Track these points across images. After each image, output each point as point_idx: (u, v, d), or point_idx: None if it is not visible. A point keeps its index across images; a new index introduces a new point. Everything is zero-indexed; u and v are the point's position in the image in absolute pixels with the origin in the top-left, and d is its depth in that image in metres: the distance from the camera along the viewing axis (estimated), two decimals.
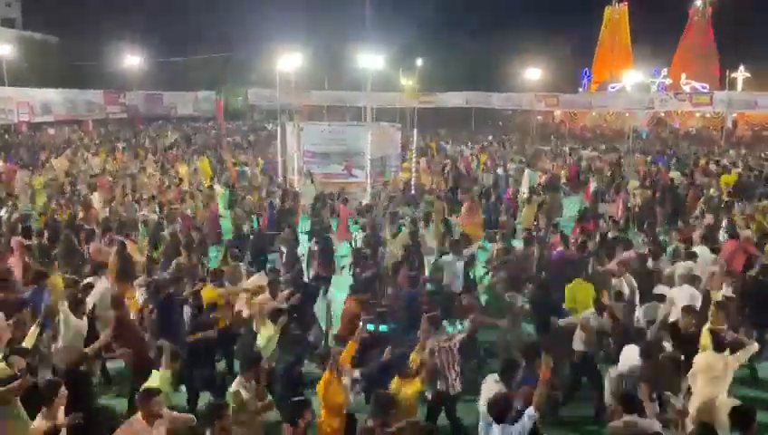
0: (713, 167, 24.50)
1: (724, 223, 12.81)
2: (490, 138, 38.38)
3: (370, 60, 22.49)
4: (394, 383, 5.91)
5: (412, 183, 20.03)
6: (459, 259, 9.65)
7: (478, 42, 52.22)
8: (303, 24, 44.25)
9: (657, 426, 5.19)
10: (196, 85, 49.69)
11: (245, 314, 7.91)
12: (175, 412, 5.30)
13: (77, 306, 7.05)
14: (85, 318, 7.10)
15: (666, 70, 50.94)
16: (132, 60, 44.52)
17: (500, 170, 22.16)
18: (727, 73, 44.59)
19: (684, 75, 49.49)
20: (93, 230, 11.26)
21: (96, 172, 19.45)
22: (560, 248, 10.49)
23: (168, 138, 33.92)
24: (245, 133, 40.15)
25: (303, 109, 43.42)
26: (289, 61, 23.17)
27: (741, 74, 44.16)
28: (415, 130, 22.09)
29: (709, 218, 13.27)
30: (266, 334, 6.96)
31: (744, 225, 12.69)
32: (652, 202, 16.24)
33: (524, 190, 20.18)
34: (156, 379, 5.68)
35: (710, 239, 11.32)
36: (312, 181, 18.46)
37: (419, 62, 38.57)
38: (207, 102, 50.88)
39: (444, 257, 9.91)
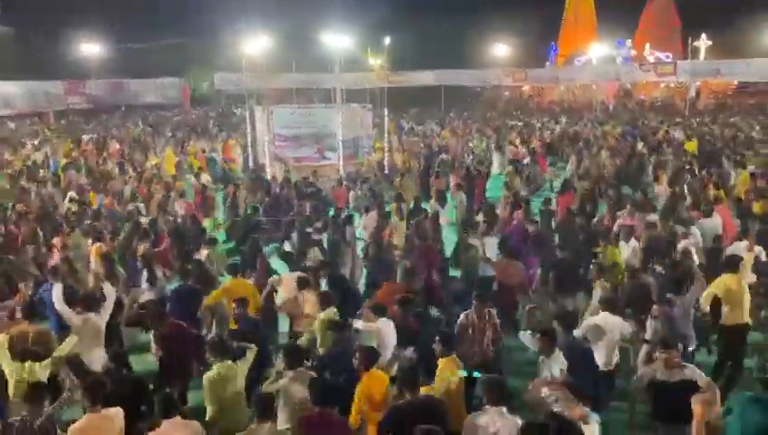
0: (678, 135, 25.15)
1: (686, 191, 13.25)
2: (451, 114, 38.50)
3: (338, 40, 22.24)
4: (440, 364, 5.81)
5: (385, 163, 20.10)
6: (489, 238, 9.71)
7: (446, 19, 51.99)
8: (268, 5, 43.43)
9: None
10: (160, 71, 48.53)
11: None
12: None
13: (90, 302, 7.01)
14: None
15: (629, 41, 51.43)
16: (92, 48, 43.30)
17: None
18: (689, 42, 45.27)
19: (648, 45, 50.04)
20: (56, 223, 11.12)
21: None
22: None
23: (139, 127, 33.29)
24: (214, 119, 39.63)
25: (271, 92, 42.85)
26: (255, 44, 22.75)
27: (703, 42, 44.75)
28: (386, 111, 22.03)
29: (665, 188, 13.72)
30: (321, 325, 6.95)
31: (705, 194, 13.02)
32: (621, 173, 16.65)
33: (496, 167, 20.52)
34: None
35: (673, 210, 11.71)
36: (287, 168, 18.38)
37: (387, 40, 38.24)
38: (173, 89, 49.83)
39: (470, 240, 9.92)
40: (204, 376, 5.70)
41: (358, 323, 6.97)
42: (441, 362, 5.74)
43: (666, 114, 39.69)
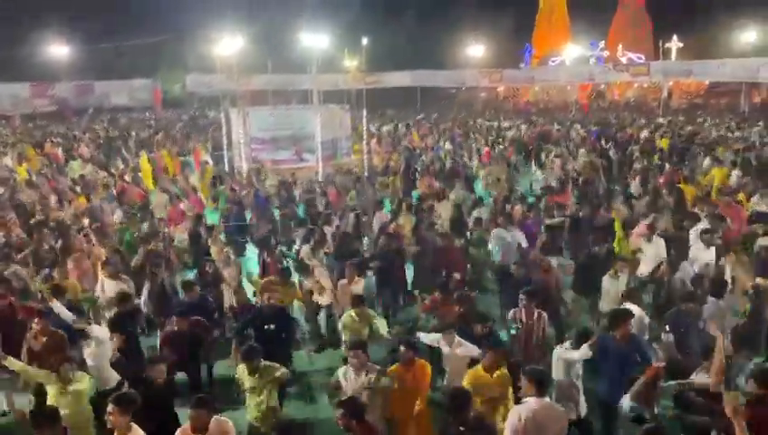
0: (645, 134, 25.55)
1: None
2: (421, 116, 38.19)
3: (316, 39, 21.80)
4: (472, 372, 5.57)
5: (365, 164, 19.83)
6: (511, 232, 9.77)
7: (423, 20, 51.94)
8: (241, 5, 42.77)
9: None
10: (130, 73, 47.37)
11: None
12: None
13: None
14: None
15: (603, 42, 51.95)
16: (60, 49, 42.06)
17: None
18: (661, 44, 45.87)
19: (620, 47, 50.62)
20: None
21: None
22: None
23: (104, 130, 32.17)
24: (185, 122, 38.76)
25: (246, 94, 42.04)
26: (229, 44, 22.15)
27: (674, 44, 45.43)
28: (364, 111, 21.69)
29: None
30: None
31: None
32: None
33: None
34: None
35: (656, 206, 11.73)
36: (263, 168, 17.97)
37: (365, 41, 37.86)
38: (143, 91, 48.65)
39: (496, 231, 9.95)
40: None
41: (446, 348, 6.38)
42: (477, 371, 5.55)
43: (639, 114, 40.16)
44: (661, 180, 15.21)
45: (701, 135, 25.03)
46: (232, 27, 29.57)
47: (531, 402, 4.74)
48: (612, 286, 7.71)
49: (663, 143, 22.00)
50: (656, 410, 5.27)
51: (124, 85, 48.30)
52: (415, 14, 52.15)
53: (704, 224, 9.31)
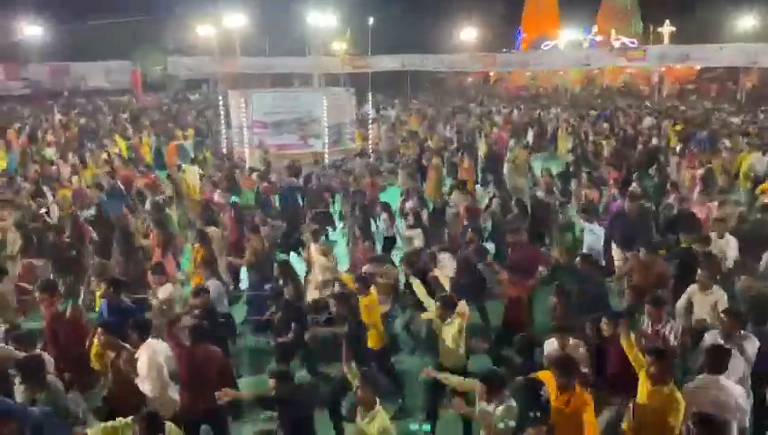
0: (648, 121, 25.11)
1: None
2: (414, 102, 37.03)
3: (323, 20, 20.47)
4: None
5: (370, 151, 18.94)
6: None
7: (410, 4, 50.65)
8: None
9: None
10: (108, 54, 45.20)
11: None
12: None
13: None
14: None
15: (595, 27, 51.31)
16: (33, 28, 39.88)
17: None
18: (652, 29, 45.31)
19: (614, 31, 50.00)
20: None
21: None
22: None
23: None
24: (169, 106, 37.07)
25: (226, 77, 40.38)
26: (226, 24, 20.93)
27: (667, 28, 44.88)
28: (369, 95, 20.68)
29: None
30: None
31: None
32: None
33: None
34: None
35: None
36: (267, 153, 16.87)
37: (371, 21, 36.15)
38: (121, 73, 46.52)
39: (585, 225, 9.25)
40: None
41: None
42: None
43: (632, 99, 39.74)
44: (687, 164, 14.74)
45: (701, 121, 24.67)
46: (219, 8, 28.19)
47: (700, 380, 4.70)
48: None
49: (676, 128, 21.57)
50: None
51: (101, 67, 46.15)
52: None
53: None
